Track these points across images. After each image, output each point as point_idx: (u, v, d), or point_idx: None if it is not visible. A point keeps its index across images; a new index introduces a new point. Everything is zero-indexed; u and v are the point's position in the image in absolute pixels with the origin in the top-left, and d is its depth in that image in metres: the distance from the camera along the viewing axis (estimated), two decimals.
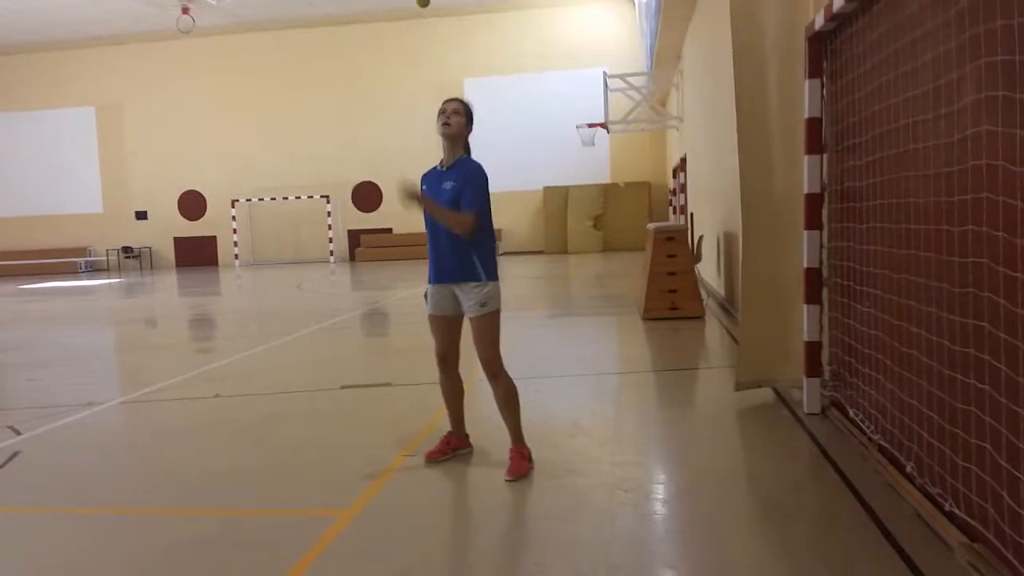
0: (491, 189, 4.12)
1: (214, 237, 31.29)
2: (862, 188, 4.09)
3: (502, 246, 28.45)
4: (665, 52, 18.72)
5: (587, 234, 27.83)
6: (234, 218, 30.44)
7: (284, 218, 30.76)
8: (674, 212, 22.59)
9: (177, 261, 31.68)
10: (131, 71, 31.05)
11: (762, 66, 5.04)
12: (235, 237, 30.45)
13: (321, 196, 30.03)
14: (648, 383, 6.52)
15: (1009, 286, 2.50)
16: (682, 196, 19.61)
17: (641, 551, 3.22)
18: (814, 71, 4.66)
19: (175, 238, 31.60)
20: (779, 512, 3.55)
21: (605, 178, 28.50)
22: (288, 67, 30.09)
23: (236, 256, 30.49)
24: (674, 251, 9.43)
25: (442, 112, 4.05)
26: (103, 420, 6.00)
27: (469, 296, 4.03)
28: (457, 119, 4.04)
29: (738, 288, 8.85)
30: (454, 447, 4.41)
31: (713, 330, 8.83)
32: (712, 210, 12.21)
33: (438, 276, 4.12)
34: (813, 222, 4.76)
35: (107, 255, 31.63)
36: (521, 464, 4.06)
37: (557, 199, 28.21)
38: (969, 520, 2.87)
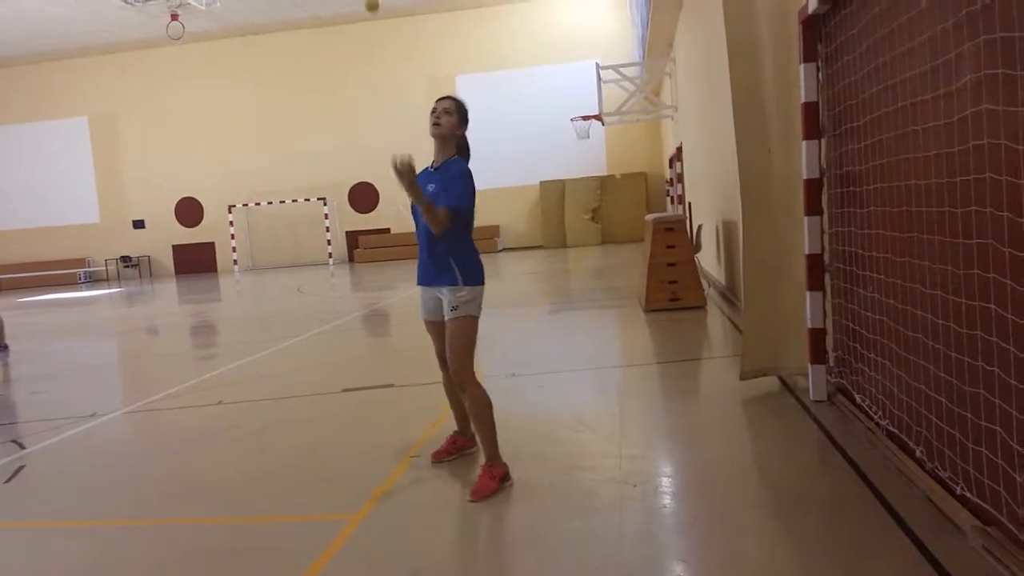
0: (488, 185, 4.07)
1: (212, 243, 31.27)
2: (862, 172, 4.06)
3: (501, 242, 28.42)
4: (657, 41, 18.66)
5: (585, 227, 27.80)
6: (231, 223, 30.41)
7: (282, 222, 30.72)
8: (672, 202, 22.54)
9: (176, 269, 31.65)
10: (123, 80, 31.00)
11: (757, 52, 5.00)
12: (233, 243, 30.42)
13: (318, 198, 30.00)
14: (652, 375, 6.49)
15: (1016, 266, 2.47)
16: (679, 186, 19.56)
17: (651, 545, 3.20)
18: (809, 55, 4.63)
19: (173, 246, 31.57)
20: (789, 501, 3.52)
21: (601, 170, 28.45)
22: (279, 70, 30.03)
23: (235, 262, 30.46)
24: (673, 241, 9.40)
25: (433, 111, 3.97)
26: (107, 431, 5.98)
27: (445, 299, 3.92)
28: (448, 119, 3.95)
29: (739, 276, 8.83)
30: (460, 447, 4.38)
31: (715, 319, 8.81)
32: (710, 199, 12.17)
33: (421, 278, 4.06)
34: (813, 208, 4.73)
35: (106, 265, 31.60)
36: (488, 484, 3.81)
37: (554, 193, 28.17)
38: (981, 503, 2.85)
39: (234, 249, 30.43)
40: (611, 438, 4.62)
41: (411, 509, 3.73)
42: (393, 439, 4.92)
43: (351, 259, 29.82)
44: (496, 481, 3.84)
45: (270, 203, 30.33)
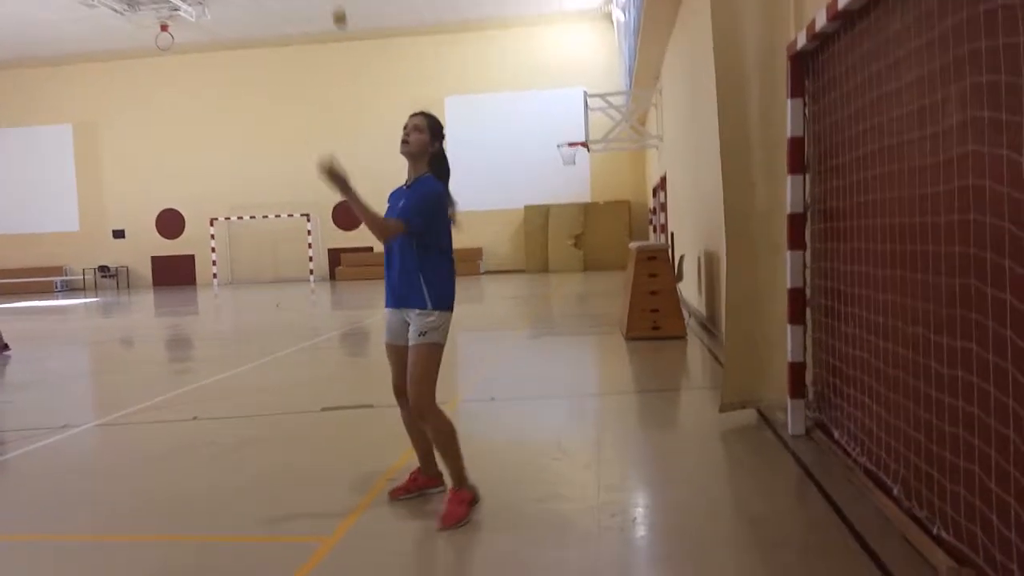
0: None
1: (192, 256, 31.03)
2: (846, 208, 4.09)
3: (483, 265, 28.42)
4: (644, 72, 18.86)
5: (568, 252, 27.87)
6: (212, 236, 30.20)
7: (263, 236, 30.57)
8: (655, 231, 22.67)
9: (154, 280, 31.35)
10: (109, 88, 30.86)
11: (745, 85, 5.05)
12: (213, 256, 30.20)
13: (301, 214, 29.89)
14: (632, 404, 6.48)
15: (997, 308, 2.48)
16: (662, 215, 19.69)
17: None
18: (796, 90, 4.68)
19: (152, 257, 31.29)
20: (765, 536, 3.50)
21: (585, 197, 28.60)
22: (267, 85, 30.03)
23: (215, 275, 30.22)
24: (656, 270, 9.43)
25: (404, 128, 3.83)
26: (79, 443, 5.87)
27: (413, 323, 3.73)
28: (417, 136, 3.79)
29: (719, 307, 8.86)
30: (421, 485, 4.09)
31: (695, 350, 8.82)
32: (693, 229, 12.24)
33: (389, 300, 3.88)
34: (796, 242, 4.76)
35: (83, 274, 31.25)
36: (456, 510, 3.67)
37: (538, 217, 28.26)
38: (957, 544, 2.84)
39: (214, 262, 30.20)
40: (589, 467, 4.59)
41: (386, 535, 3.67)
42: (370, 461, 4.86)
43: (332, 276, 29.68)
44: (465, 506, 3.73)
45: (252, 217, 30.18)
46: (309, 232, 29.80)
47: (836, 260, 4.30)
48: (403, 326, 3.83)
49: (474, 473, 3.91)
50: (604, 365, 8.69)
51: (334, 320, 15.11)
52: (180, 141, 30.63)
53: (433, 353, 3.74)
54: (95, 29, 26.12)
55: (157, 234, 31.23)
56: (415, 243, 3.73)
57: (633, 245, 10.09)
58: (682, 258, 12.30)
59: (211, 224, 30.13)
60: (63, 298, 26.30)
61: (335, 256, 30.09)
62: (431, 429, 3.77)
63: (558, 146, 22.94)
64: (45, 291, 30.19)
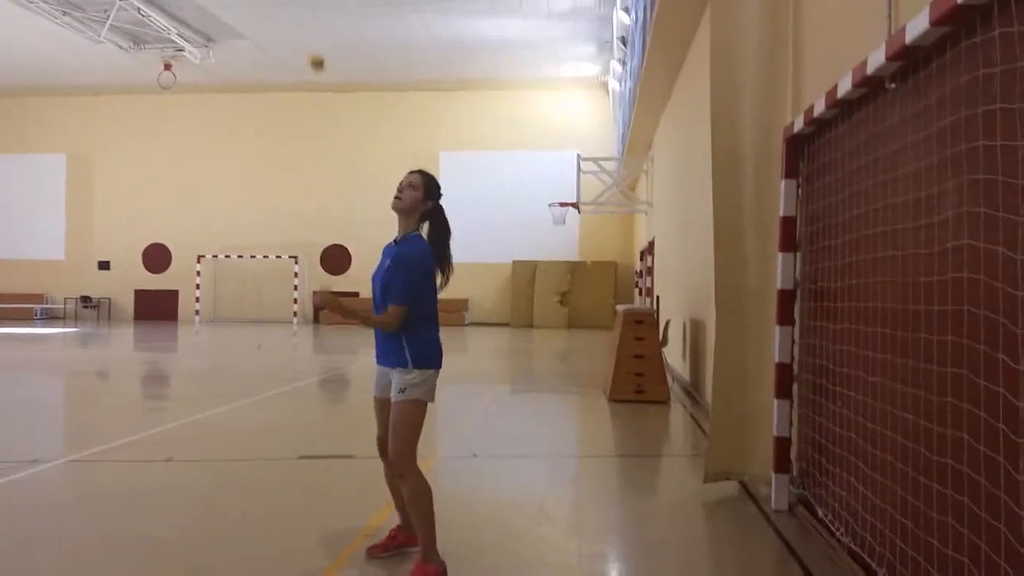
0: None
1: (176, 291, 30.81)
2: (837, 289, 4.15)
3: (468, 316, 28.41)
4: (637, 140, 19.21)
5: (553, 309, 27.95)
6: (199, 273, 30.06)
7: (248, 276, 30.43)
8: (640, 293, 22.79)
9: (136, 314, 31.04)
10: (106, 121, 30.96)
11: (740, 163, 5.16)
12: (198, 292, 30.00)
13: (290, 256, 29.86)
14: (614, 468, 6.44)
15: (989, 398, 2.52)
16: (648, 278, 19.82)
17: None
18: (790, 171, 4.78)
19: (136, 290, 31.04)
20: None
21: (573, 255, 28.80)
22: (264, 128, 30.26)
23: (197, 312, 29.99)
24: (642, 334, 9.47)
25: (399, 184, 3.87)
26: (48, 479, 5.75)
27: (394, 379, 3.74)
28: (411, 193, 3.81)
29: (704, 374, 8.88)
30: (400, 543, 4.02)
31: (678, 416, 8.81)
32: (680, 296, 12.33)
33: (377, 357, 3.91)
34: (785, 317, 4.81)
35: (65, 303, 30.91)
36: None
37: (525, 273, 28.39)
38: None
39: (197, 299, 29.99)
40: (571, 533, 4.55)
41: None
42: (349, 514, 4.78)
43: (316, 320, 29.54)
44: None
45: (240, 256, 30.11)
46: (296, 274, 29.74)
47: (826, 338, 4.35)
48: (389, 381, 3.82)
49: (456, 533, 3.86)
50: (587, 426, 8.66)
51: (315, 364, 14.99)
52: (173, 177, 30.66)
53: (414, 410, 3.70)
54: (97, 63, 26.30)
55: (143, 268, 31.04)
56: None
57: (621, 308, 10.14)
58: (668, 323, 12.36)
59: (198, 261, 30.02)
60: (42, 326, 25.98)
61: None
62: (407, 489, 3.70)
63: (549, 205, 23.18)
64: (24, 318, 29.80)
